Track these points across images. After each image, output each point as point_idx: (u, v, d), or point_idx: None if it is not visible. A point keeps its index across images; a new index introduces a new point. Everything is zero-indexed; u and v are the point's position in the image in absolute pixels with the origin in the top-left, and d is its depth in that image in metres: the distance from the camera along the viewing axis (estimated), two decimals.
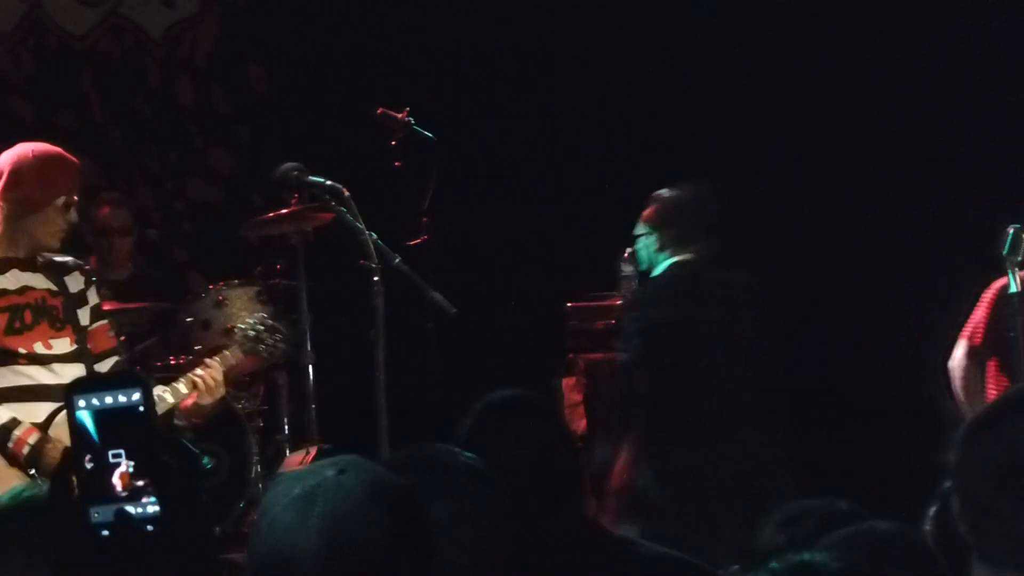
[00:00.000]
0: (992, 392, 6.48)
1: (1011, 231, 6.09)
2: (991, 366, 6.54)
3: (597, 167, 8.71)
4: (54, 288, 5.59)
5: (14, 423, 5.38)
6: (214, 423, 7.22)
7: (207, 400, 5.83)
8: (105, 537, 2.21)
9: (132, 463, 2.22)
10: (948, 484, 2.77)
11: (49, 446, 5.34)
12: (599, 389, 7.72)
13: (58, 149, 5.65)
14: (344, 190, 6.30)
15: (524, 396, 3.77)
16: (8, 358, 5.45)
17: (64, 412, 5.40)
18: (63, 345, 5.54)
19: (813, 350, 8.15)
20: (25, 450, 5.35)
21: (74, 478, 2.23)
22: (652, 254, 6.57)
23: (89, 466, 2.22)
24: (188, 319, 7.66)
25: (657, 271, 6.55)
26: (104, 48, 9.48)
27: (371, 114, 7.14)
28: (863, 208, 8.41)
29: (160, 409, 5.42)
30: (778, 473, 6.34)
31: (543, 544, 3.25)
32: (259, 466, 7.68)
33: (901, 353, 8.15)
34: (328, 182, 6.35)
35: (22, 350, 5.47)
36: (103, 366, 5.61)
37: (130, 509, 2.21)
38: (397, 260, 6.31)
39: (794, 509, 3.08)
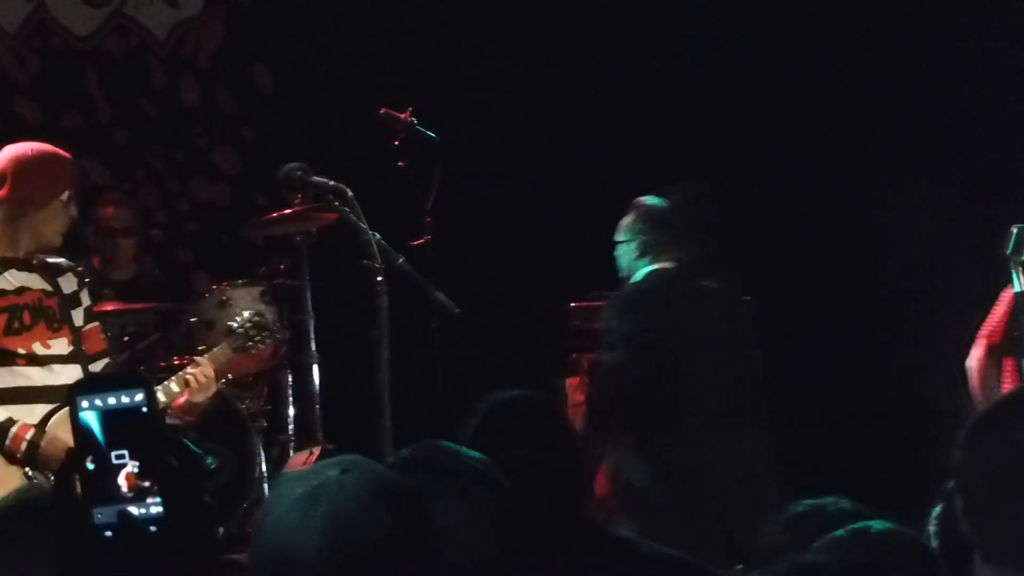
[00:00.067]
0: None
1: (1015, 231, 6.09)
2: (1008, 365, 6.54)
3: (600, 167, 8.70)
4: (49, 289, 5.61)
5: (10, 422, 5.39)
6: (218, 423, 7.24)
7: (199, 398, 5.87)
8: (108, 538, 2.21)
9: (137, 463, 2.22)
10: (951, 484, 2.77)
11: (45, 443, 5.35)
12: None
13: (52, 147, 5.68)
14: (348, 190, 6.30)
15: (528, 396, 3.78)
16: (7, 359, 5.46)
17: (62, 411, 5.44)
18: (61, 346, 5.56)
19: (814, 350, 8.16)
20: (23, 447, 5.36)
21: (77, 478, 2.23)
22: (632, 261, 6.59)
23: (92, 467, 2.22)
24: (192, 319, 7.66)
25: (635, 278, 6.57)
26: (108, 48, 9.48)
27: (374, 114, 7.15)
28: (863, 208, 8.41)
29: None
30: (764, 475, 6.36)
31: (545, 544, 3.25)
32: (263, 466, 7.68)
33: (901, 353, 8.16)
34: (332, 182, 6.35)
35: (21, 350, 5.48)
36: (95, 367, 5.63)
37: (133, 510, 2.21)
38: (400, 260, 6.31)
39: (796, 509, 3.08)
